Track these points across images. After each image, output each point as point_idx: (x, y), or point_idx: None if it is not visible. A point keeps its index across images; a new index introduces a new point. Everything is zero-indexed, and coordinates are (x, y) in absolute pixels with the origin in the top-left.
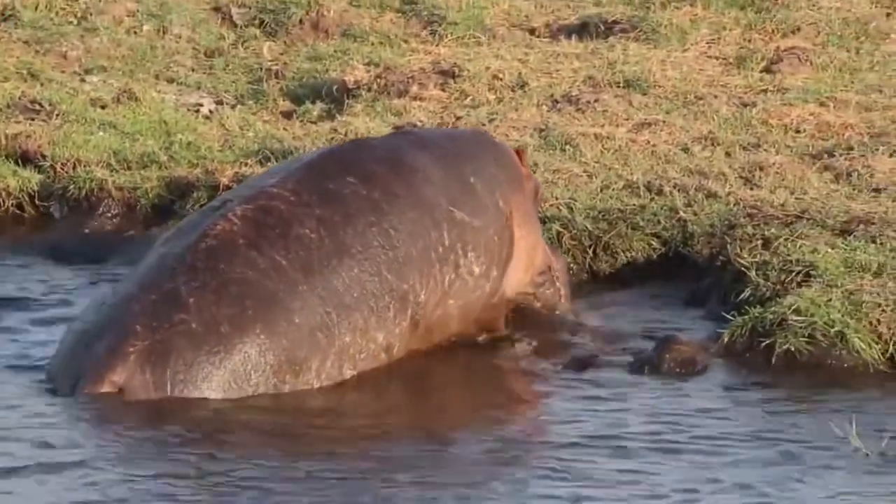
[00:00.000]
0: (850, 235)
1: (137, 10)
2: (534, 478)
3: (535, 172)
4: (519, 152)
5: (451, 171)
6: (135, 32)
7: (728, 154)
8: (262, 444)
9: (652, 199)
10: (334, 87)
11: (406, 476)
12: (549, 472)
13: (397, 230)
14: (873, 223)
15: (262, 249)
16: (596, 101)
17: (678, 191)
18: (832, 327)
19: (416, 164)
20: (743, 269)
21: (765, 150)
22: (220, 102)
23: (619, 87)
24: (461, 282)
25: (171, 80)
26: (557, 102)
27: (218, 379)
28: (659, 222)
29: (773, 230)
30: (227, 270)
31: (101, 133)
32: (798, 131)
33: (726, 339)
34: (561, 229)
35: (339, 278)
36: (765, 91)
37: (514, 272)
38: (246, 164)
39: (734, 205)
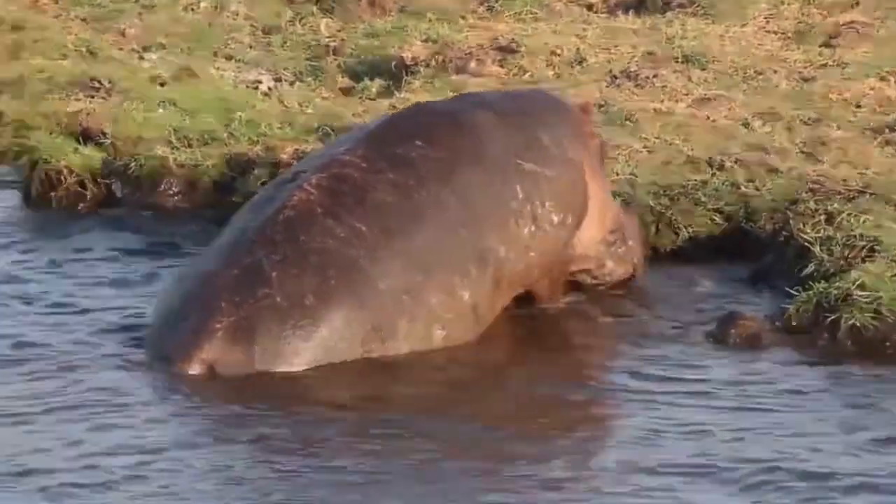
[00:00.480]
0: None
1: None
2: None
3: None
4: (584, 108)
5: (515, 127)
6: (192, 10)
7: (789, 129)
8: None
9: (713, 175)
10: (393, 64)
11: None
12: (618, 455)
13: (469, 188)
14: None
15: (339, 217)
16: (655, 76)
17: (740, 166)
18: None
19: (478, 122)
20: (806, 244)
21: (826, 124)
22: (278, 79)
23: (678, 62)
24: (542, 233)
25: (229, 58)
26: (616, 78)
27: (305, 351)
28: (721, 198)
29: (835, 205)
30: (307, 241)
31: (161, 110)
32: (859, 106)
33: (791, 315)
34: (623, 205)
35: (419, 240)
36: (824, 66)
37: (586, 228)
38: (306, 141)
39: (796, 180)
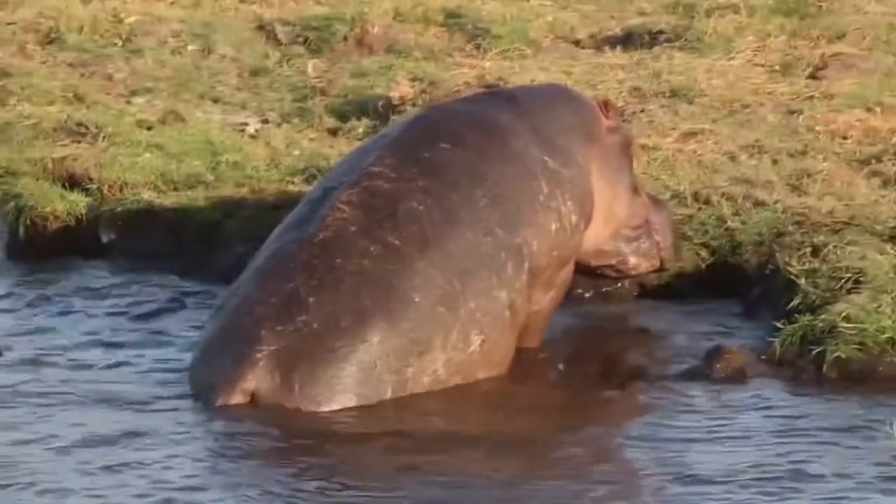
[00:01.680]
0: None
1: (182, 31)
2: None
3: None
4: (604, 105)
5: (535, 124)
6: (179, 53)
7: (775, 162)
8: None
9: (699, 209)
10: (380, 103)
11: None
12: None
13: (499, 186)
14: None
15: (373, 234)
16: (642, 111)
17: (726, 200)
18: (883, 334)
19: (500, 120)
20: (792, 277)
21: (812, 156)
22: (265, 121)
23: (665, 96)
24: (563, 232)
25: (216, 100)
26: None
27: (344, 374)
28: (707, 232)
29: (821, 237)
30: (343, 264)
31: (147, 154)
32: (845, 137)
33: (777, 348)
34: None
35: (454, 246)
36: (811, 98)
37: (591, 226)
38: (292, 183)
39: (782, 213)
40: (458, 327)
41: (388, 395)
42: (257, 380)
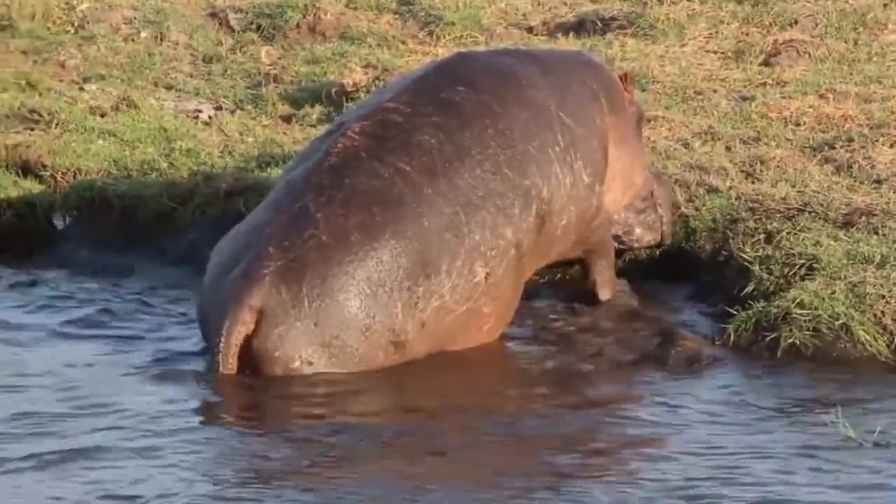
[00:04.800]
0: (852, 227)
1: (134, 18)
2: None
3: None
4: (623, 77)
5: (555, 81)
6: (132, 40)
7: (728, 148)
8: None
9: None
10: (333, 90)
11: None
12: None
13: (512, 129)
14: (875, 214)
15: (384, 159)
16: None
17: (679, 186)
18: (837, 320)
19: (521, 72)
20: (746, 263)
21: (765, 143)
22: (218, 108)
23: None
24: (578, 188)
25: (169, 87)
26: None
27: (353, 288)
28: None
29: (775, 224)
30: (353, 182)
31: (100, 141)
32: (798, 124)
33: (731, 334)
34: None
35: (462, 179)
36: (764, 84)
37: (609, 191)
38: (246, 170)
39: (736, 199)
40: (462, 255)
41: (399, 313)
42: (263, 296)
